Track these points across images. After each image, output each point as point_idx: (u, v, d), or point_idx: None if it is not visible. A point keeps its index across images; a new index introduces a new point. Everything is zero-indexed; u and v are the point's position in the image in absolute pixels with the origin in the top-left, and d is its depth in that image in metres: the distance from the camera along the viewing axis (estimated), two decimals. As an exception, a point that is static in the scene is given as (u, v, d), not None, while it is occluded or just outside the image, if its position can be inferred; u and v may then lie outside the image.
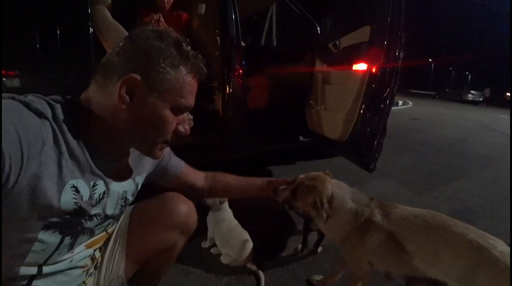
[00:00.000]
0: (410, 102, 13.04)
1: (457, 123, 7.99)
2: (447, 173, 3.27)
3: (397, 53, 1.87)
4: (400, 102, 12.04)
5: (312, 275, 1.45)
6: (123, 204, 0.76)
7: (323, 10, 2.85)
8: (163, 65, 0.60)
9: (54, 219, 0.57)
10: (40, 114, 0.53)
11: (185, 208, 0.94)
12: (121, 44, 0.62)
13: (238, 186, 1.13)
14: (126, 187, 0.75)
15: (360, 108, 2.02)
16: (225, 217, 1.48)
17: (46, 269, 0.63)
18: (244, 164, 3.01)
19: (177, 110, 0.65)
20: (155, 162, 0.90)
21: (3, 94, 0.53)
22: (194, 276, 1.40)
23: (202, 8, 2.62)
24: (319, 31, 2.83)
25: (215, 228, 1.48)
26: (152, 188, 0.95)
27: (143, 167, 0.83)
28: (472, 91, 20.84)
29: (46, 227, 0.57)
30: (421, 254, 0.95)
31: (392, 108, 7.44)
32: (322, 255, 1.65)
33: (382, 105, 1.92)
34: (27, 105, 0.53)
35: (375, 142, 1.99)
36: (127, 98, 0.59)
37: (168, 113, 0.64)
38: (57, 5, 1.56)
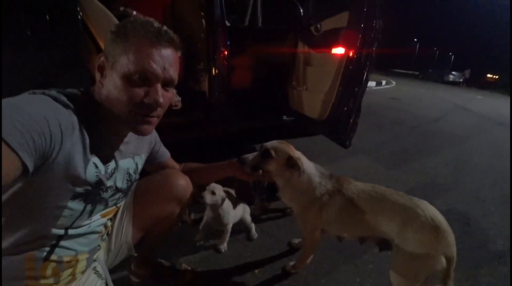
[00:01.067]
0: (394, 82, 13.29)
1: (435, 103, 8.32)
2: (418, 150, 3.53)
3: (372, 39, 2.00)
4: (384, 82, 12.26)
5: (292, 238, 1.64)
6: (128, 179, 0.90)
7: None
8: (116, 40, 0.67)
9: (79, 190, 0.71)
10: (67, 106, 0.66)
11: (183, 183, 1.08)
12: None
13: (207, 171, 1.25)
14: (128, 165, 0.89)
15: (338, 89, 2.17)
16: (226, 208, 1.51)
17: (71, 231, 0.76)
18: (229, 142, 3.16)
19: (131, 77, 0.67)
20: (150, 146, 1.03)
21: (35, 91, 0.66)
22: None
23: (187, -12, 2.64)
24: (301, 13, 2.91)
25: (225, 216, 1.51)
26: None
27: (141, 149, 0.96)
28: (453, 72, 21.35)
29: (74, 197, 0.71)
30: (370, 218, 1.16)
31: (375, 87, 7.65)
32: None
33: (357, 87, 2.08)
34: (55, 99, 0.65)
35: (351, 121, 2.17)
36: (101, 77, 0.71)
37: (121, 81, 0.67)
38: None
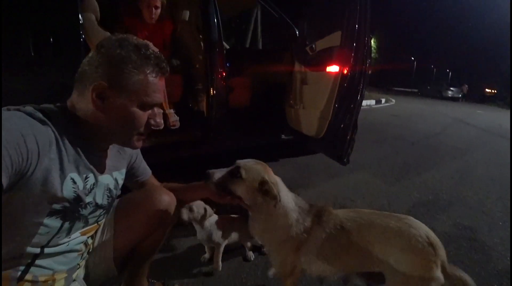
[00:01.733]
0: (393, 100, 13.44)
1: (434, 118, 8.37)
2: (419, 165, 3.50)
3: (365, 56, 2.05)
4: (383, 100, 12.39)
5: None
6: (108, 194, 0.88)
7: (301, 15, 3.03)
8: (125, 70, 0.71)
9: (56, 206, 0.70)
10: (43, 122, 0.66)
11: (166, 198, 1.03)
12: (90, 54, 0.74)
13: (186, 192, 1.17)
14: (108, 180, 0.88)
15: (334, 106, 2.20)
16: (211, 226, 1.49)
17: (47, 250, 0.74)
18: (227, 160, 3.16)
19: (144, 106, 0.77)
20: (130, 160, 1.01)
21: (9, 107, 0.66)
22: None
23: (186, 14, 2.75)
24: (297, 34, 3.01)
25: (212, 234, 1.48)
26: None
27: (120, 164, 0.95)
28: (451, 88, 21.58)
29: (50, 214, 0.69)
30: (360, 250, 1.01)
31: (375, 106, 7.71)
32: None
33: (353, 104, 2.11)
34: (30, 115, 0.65)
35: (348, 138, 2.18)
36: (99, 101, 0.72)
37: (136, 110, 0.75)
38: (50, 12, 1.66)
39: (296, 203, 1.08)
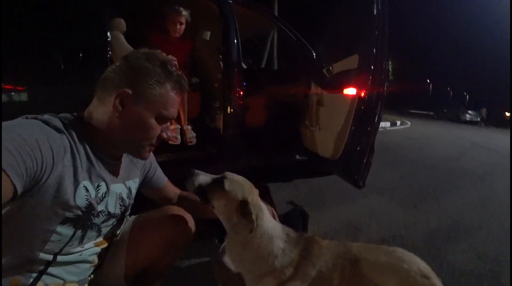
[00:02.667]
0: (409, 122, 13.23)
1: (452, 142, 8.15)
2: (436, 190, 3.39)
3: (382, 80, 2.06)
4: (398, 122, 12.23)
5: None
6: (121, 203, 0.88)
7: (318, 37, 3.10)
8: (150, 82, 0.75)
9: (69, 215, 0.71)
10: (58, 130, 0.69)
11: (184, 221, 1.02)
12: (118, 63, 0.78)
13: (201, 208, 1.12)
14: (120, 189, 0.88)
15: (350, 129, 2.19)
16: None
17: (60, 258, 0.75)
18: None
19: (161, 119, 0.80)
20: (144, 170, 1.02)
21: (27, 115, 0.69)
22: None
23: (207, 34, 2.85)
24: (314, 56, 3.06)
25: None
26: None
27: (134, 173, 0.96)
28: (469, 111, 21.09)
29: (63, 222, 0.71)
30: None
31: (390, 128, 7.61)
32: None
33: (369, 127, 2.10)
34: (47, 123, 0.68)
35: (364, 161, 2.15)
36: (120, 107, 0.75)
37: (152, 121, 0.79)
38: (81, 30, 1.76)
39: (284, 231, 0.98)
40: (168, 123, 0.86)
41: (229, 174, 0.98)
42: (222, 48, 2.45)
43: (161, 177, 1.12)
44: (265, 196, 1.61)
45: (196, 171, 0.98)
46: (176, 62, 2.44)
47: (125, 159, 0.91)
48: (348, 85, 2.25)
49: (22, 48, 1.61)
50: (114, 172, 0.85)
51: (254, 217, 0.89)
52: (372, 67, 2.07)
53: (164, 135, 0.84)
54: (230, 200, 0.93)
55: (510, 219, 2.28)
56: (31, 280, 0.71)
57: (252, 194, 0.96)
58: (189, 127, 2.55)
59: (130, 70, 0.76)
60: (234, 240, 0.97)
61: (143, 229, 0.99)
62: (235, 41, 2.42)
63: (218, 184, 0.94)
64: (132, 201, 0.96)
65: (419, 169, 4.40)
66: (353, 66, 2.23)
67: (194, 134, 2.56)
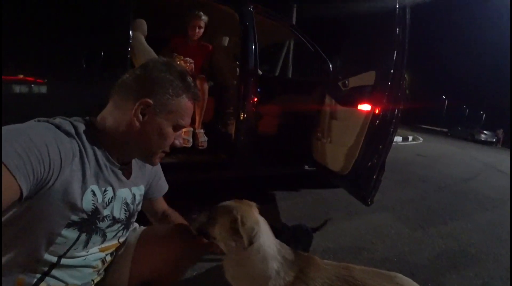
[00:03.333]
0: (421, 138, 13.05)
1: (465, 162, 7.98)
2: (446, 212, 3.33)
3: (398, 98, 2.04)
4: (410, 137, 12.06)
5: None
6: (125, 208, 0.88)
7: (336, 49, 3.09)
8: (170, 93, 0.79)
9: (75, 218, 0.72)
10: (68, 134, 0.70)
11: (194, 243, 1.00)
12: (137, 72, 0.80)
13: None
14: (126, 194, 0.88)
15: (362, 145, 2.17)
16: None
17: (64, 261, 0.75)
18: (250, 186, 3.17)
19: (176, 128, 0.84)
20: (150, 178, 1.03)
21: (40, 118, 0.70)
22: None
23: (226, 40, 2.89)
24: (330, 68, 3.06)
25: None
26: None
27: (140, 180, 0.96)
28: (485, 131, 20.61)
29: (68, 225, 0.71)
30: None
31: (402, 143, 7.49)
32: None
33: (382, 145, 2.08)
34: (58, 127, 0.69)
35: (374, 178, 2.13)
36: (140, 116, 0.77)
37: (170, 130, 0.82)
38: (105, 29, 1.81)
39: (280, 252, 0.94)
40: (181, 131, 0.88)
41: (220, 204, 0.99)
42: (240, 55, 2.47)
43: (160, 190, 1.12)
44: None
45: (195, 216, 0.99)
46: (193, 65, 2.50)
47: (134, 165, 0.93)
48: (363, 101, 2.24)
49: (46, 43, 1.66)
50: (121, 177, 0.86)
51: (244, 233, 0.88)
52: (389, 85, 2.05)
53: (177, 142, 0.87)
54: (222, 224, 0.93)
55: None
56: (35, 280, 0.72)
57: (244, 211, 0.95)
58: (202, 130, 2.58)
59: (151, 80, 0.78)
60: (229, 259, 0.97)
61: (151, 243, 0.98)
62: (253, 48, 2.45)
63: (210, 216, 0.96)
64: (137, 208, 0.97)
65: (428, 189, 4.31)
66: (369, 82, 2.22)
67: (206, 138, 2.58)
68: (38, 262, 0.72)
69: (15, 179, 0.56)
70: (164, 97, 0.78)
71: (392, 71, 2.03)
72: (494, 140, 20.36)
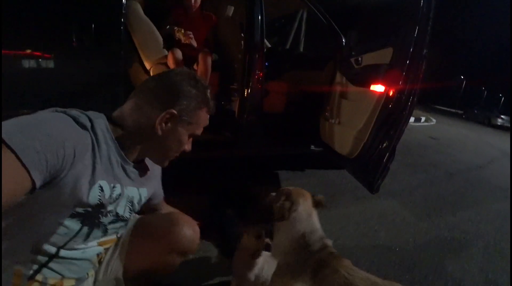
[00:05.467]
0: (434, 120, 12.62)
1: (479, 148, 7.69)
2: (455, 201, 3.21)
3: (416, 80, 1.86)
4: (423, 118, 11.69)
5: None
6: (130, 207, 0.90)
7: (350, 23, 2.85)
8: (193, 105, 0.84)
9: (79, 210, 0.72)
10: (84, 127, 0.70)
11: (189, 234, 0.99)
12: (164, 80, 0.84)
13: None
14: (133, 193, 0.89)
15: (372, 129, 2.04)
16: None
17: (62, 252, 0.75)
18: (253, 165, 3.10)
19: (191, 136, 0.89)
20: (157, 182, 1.05)
21: (57, 109, 0.71)
22: None
23: (231, 10, 2.69)
24: (344, 43, 2.83)
25: None
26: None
27: (148, 182, 0.96)
28: (502, 116, 19.81)
29: (72, 216, 0.72)
30: None
31: (414, 123, 7.24)
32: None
33: (393, 130, 1.93)
34: (75, 119, 0.69)
35: (382, 165, 2.01)
36: (164, 124, 0.81)
37: (186, 138, 0.88)
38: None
39: (313, 231, 1.04)
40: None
41: (290, 189, 1.14)
42: (245, 26, 2.29)
43: (160, 193, 1.13)
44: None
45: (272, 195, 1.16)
46: (192, 38, 2.34)
47: (145, 166, 0.94)
48: (376, 81, 2.06)
49: (48, 17, 1.55)
50: (131, 175, 0.87)
51: (279, 211, 1.05)
52: (407, 65, 1.87)
53: (187, 147, 0.92)
54: (279, 199, 1.10)
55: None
56: (32, 272, 0.73)
57: (300, 196, 1.10)
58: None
59: (178, 92, 0.82)
60: (277, 230, 1.09)
61: (146, 233, 0.98)
62: (259, 18, 2.25)
63: (278, 196, 1.12)
64: (139, 208, 0.98)
65: (439, 175, 4.17)
66: (385, 60, 2.03)
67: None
68: (37, 252, 0.72)
69: (29, 174, 0.57)
70: (188, 109, 0.83)
71: (411, 49, 1.84)
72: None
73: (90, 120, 0.73)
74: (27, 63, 1.55)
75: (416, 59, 1.82)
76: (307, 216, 1.07)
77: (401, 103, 1.88)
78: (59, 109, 0.71)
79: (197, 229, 1.03)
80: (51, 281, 0.76)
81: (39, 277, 0.74)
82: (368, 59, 2.26)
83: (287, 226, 1.04)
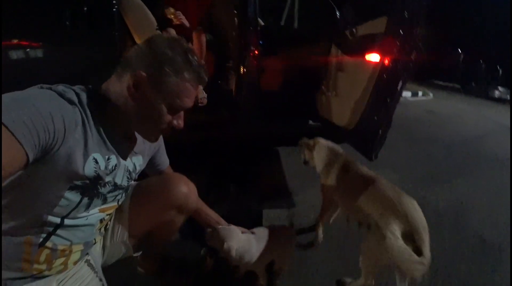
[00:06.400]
0: (431, 94, 12.52)
1: (476, 120, 7.69)
2: (452, 171, 3.27)
3: (411, 48, 1.87)
4: (420, 93, 11.63)
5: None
6: (128, 176, 0.92)
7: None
8: (167, 69, 0.75)
9: (77, 182, 0.74)
10: (71, 102, 0.70)
11: (184, 190, 1.03)
12: (141, 45, 0.78)
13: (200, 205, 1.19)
14: (127, 163, 0.91)
15: (369, 99, 2.06)
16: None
17: (67, 221, 0.79)
18: (253, 143, 3.13)
19: (173, 108, 0.81)
20: (153, 150, 1.05)
21: (43, 85, 0.70)
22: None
23: (224, -12, 2.64)
24: (338, 16, 2.81)
25: None
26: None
27: (143, 151, 0.98)
28: (499, 88, 19.65)
29: (71, 188, 0.74)
30: (359, 201, 1.39)
31: (411, 98, 7.22)
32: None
33: (390, 99, 1.95)
34: (61, 95, 0.69)
35: (380, 133, 2.04)
36: (133, 89, 0.76)
37: (163, 108, 0.79)
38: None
39: (335, 151, 1.80)
40: (182, 112, 0.86)
41: (318, 139, 1.87)
42: (238, 3, 2.26)
43: (164, 160, 1.15)
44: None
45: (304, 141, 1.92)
46: (182, 16, 2.31)
47: (138, 137, 0.93)
48: (371, 51, 2.06)
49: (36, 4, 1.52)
50: (125, 146, 0.88)
51: (314, 143, 1.85)
52: (401, 33, 1.87)
53: (175, 122, 0.84)
54: (311, 145, 1.85)
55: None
56: (41, 240, 0.76)
57: (319, 141, 1.86)
58: (201, 87, 2.46)
59: (150, 54, 0.76)
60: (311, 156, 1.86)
61: (144, 193, 1.01)
62: (253, -4, 2.21)
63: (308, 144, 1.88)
64: (136, 176, 0.99)
65: (436, 148, 4.21)
66: (379, 29, 2.03)
67: (206, 95, 2.48)
68: (43, 224, 0.75)
69: (23, 148, 0.58)
70: (160, 72, 0.75)
71: (406, 16, 1.83)
72: (508, 97, 19.51)
73: (77, 95, 0.72)
74: (15, 55, 1.53)
75: (410, 26, 1.82)
76: (326, 142, 1.84)
77: (397, 71, 1.89)
78: (44, 85, 0.70)
79: (193, 186, 1.07)
80: (60, 247, 0.80)
81: (49, 244, 0.78)
82: (363, 29, 2.25)
83: (320, 149, 1.81)
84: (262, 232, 1.28)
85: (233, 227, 1.19)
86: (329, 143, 1.84)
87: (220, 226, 1.17)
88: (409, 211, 1.21)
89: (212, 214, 1.24)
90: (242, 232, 1.22)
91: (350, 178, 1.59)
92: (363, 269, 1.35)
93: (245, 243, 1.16)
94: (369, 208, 1.33)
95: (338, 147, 1.80)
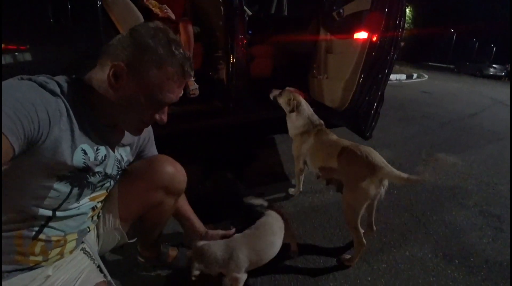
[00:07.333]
0: (426, 76, 12.58)
1: (471, 98, 7.73)
2: (448, 147, 3.29)
3: (397, 23, 1.86)
4: (415, 75, 11.65)
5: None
6: (118, 165, 0.90)
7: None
8: (148, 60, 0.71)
9: (66, 173, 0.72)
10: (54, 93, 0.67)
11: (170, 170, 1.01)
12: (124, 33, 0.74)
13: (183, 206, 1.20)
14: (116, 154, 0.89)
15: (360, 77, 2.05)
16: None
17: (58, 213, 0.77)
18: (248, 131, 3.13)
19: (154, 102, 0.76)
20: (141, 140, 1.02)
21: (23, 76, 0.67)
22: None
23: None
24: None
25: None
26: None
27: (130, 143, 0.96)
28: (494, 65, 19.67)
29: (60, 179, 0.72)
30: (327, 158, 1.57)
31: (406, 81, 7.22)
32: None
33: (380, 75, 1.96)
34: (42, 86, 0.66)
35: (372, 111, 2.05)
36: (113, 79, 0.71)
37: (143, 100, 0.75)
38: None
39: (310, 117, 1.84)
40: (166, 108, 0.82)
41: (286, 89, 1.97)
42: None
43: (153, 154, 1.11)
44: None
45: (274, 89, 2.05)
46: (169, 12, 2.28)
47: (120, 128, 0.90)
48: (359, 29, 2.06)
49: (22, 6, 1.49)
50: (112, 137, 0.85)
51: (292, 106, 1.84)
52: (386, 8, 1.86)
53: (157, 117, 0.80)
54: (284, 99, 1.91)
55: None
56: (33, 233, 0.75)
57: (294, 95, 1.89)
58: (192, 78, 2.45)
59: (131, 44, 0.71)
60: (287, 117, 1.93)
61: (131, 177, 0.99)
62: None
63: (280, 94, 1.95)
64: (125, 166, 0.97)
65: (432, 125, 4.23)
66: (365, 7, 2.02)
67: (197, 86, 2.46)
68: (34, 217, 0.73)
69: (9, 141, 0.56)
70: (140, 63, 0.71)
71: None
72: (503, 73, 19.53)
73: (59, 85, 0.70)
74: (3, 60, 1.50)
75: (396, 1, 1.81)
76: (307, 107, 1.87)
77: (385, 47, 1.89)
78: (24, 76, 0.67)
79: (179, 167, 1.05)
80: (54, 238, 0.79)
81: (42, 236, 0.76)
82: (349, 8, 2.24)
83: (299, 114, 1.84)
84: (263, 224, 1.26)
85: (206, 243, 1.13)
86: (308, 111, 1.88)
87: (195, 244, 1.12)
88: (369, 154, 1.40)
89: (191, 217, 1.22)
90: (225, 235, 1.21)
91: (320, 143, 1.71)
92: (350, 226, 1.37)
93: (223, 252, 1.10)
94: (335, 162, 1.50)
95: (315, 118, 1.86)
